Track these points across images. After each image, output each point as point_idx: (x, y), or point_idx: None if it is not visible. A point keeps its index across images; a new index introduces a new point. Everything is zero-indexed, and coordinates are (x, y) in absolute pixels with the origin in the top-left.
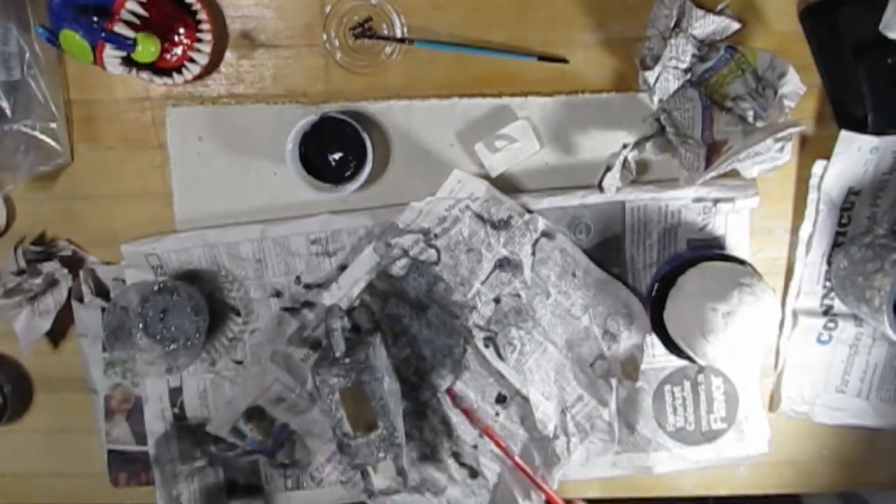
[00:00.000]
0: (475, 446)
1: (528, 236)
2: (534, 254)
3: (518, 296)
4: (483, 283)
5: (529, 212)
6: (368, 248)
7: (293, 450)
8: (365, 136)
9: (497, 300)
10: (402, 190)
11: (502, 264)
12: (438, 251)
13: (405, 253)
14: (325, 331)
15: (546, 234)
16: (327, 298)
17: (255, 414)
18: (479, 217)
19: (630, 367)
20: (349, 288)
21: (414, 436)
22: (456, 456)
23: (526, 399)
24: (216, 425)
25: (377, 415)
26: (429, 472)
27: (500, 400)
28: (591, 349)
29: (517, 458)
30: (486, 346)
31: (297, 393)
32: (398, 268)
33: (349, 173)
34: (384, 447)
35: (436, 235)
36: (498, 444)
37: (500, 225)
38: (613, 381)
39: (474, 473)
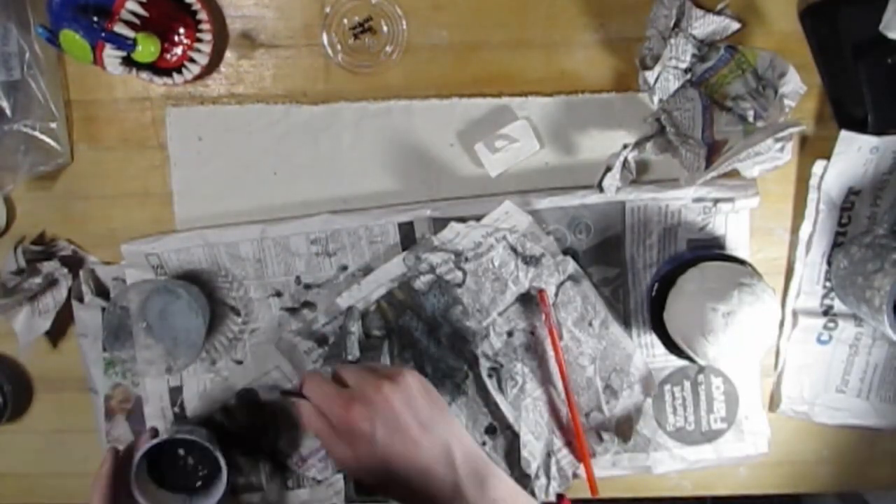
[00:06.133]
0: None
1: (556, 277)
2: (557, 295)
3: (532, 332)
4: (501, 314)
5: (564, 254)
6: (398, 257)
7: (277, 439)
8: (219, 457)
9: (510, 333)
10: (402, 190)
11: (524, 299)
12: (465, 274)
13: (432, 269)
14: (342, 332)
15: (573, 279)
16: (346, 298)
17: (247, 397)
18: (513, 249)
19: (625, 427)
20: (369, 292)
21: None
22: None
23: (515, 434)
24: (207, 402)
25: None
26: None
27: (490, 430)
28: (589, 400)
29: (571, 393)
30: (490, 375)
31: (294, 384)
32: (421, 282)
33: (199, 483)
34: None
35: (466, 259)
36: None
37: (531, 261)
38: (606, 436)
39: None
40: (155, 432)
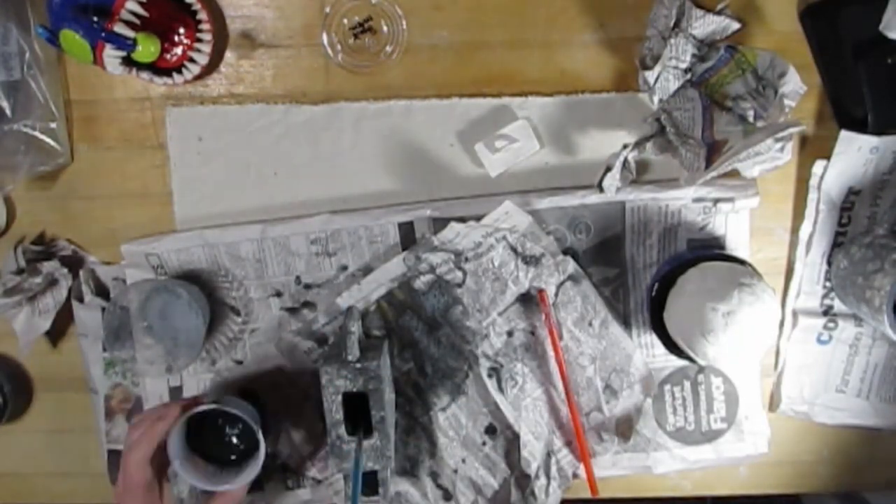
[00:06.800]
0: (455, 471)
1: (556, 277)
2: (556, 295)
3: (532, 332)
4: (501, 314)
5: (564, 254)
6: (398, 257)
7: (277, 440)
8: (259, 435)
9: (510, 333)
10: (402, 190)
11: (524, 299)
12: (465, 274)
13: (432, 269)
14: (342, 332)
15: (573, 278)
16: (346, 298)
17: (247, 396)
18: (513, 249)
19: (625, 426)
20: (369, 291)
21: (398, 448)
22: (434, 476)
23: (515, 434)
24: (206, 399)
25: (375, 424)
26: (404, 487)
27: (490, 430)
28: (589, 400)
29: (571, 393)
30: (490, 375)
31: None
32: (421, 282)
33: (235, 457)
34: (374, 457)
35: (466, 259)
36: (564, 382)
37: (531, 261)
38: (606, 436)
39: (448, 496)
40: (197, 402)
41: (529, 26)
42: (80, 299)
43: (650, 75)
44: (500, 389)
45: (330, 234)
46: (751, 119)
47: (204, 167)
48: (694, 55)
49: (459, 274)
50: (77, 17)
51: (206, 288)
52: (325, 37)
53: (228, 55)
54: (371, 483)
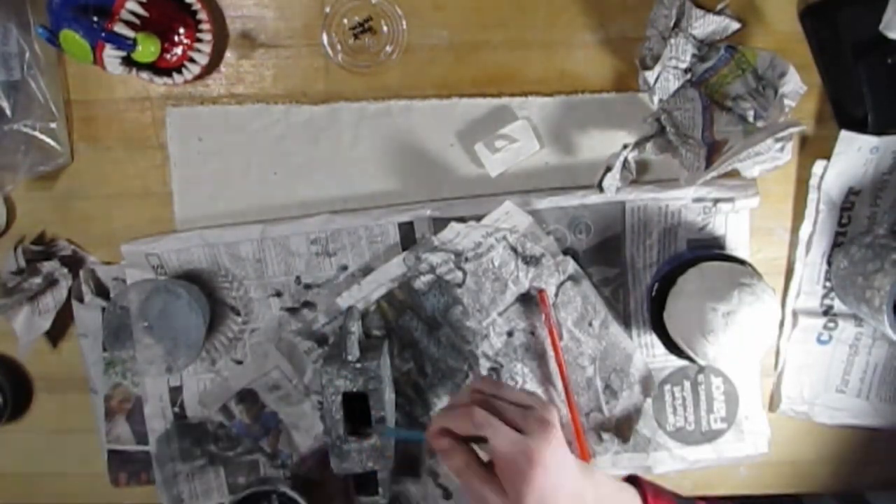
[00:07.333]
0: None
1: (556, 277)
2: (557, 295)
3: (532, 333)
4: (501, 314)
5: (564, 254)
6: (398, 257)
7: (277, 440)
8: None
9: (510, 333)
10: (402, 190)
11: (524, 299)
12: (465, 274)
13: (432, 269)
14: (342, 332)
15: (573, 279)
16: (346, 298)
17: (247, 396)
18: (513, 249)
19: (624, 427)
20: (369, 291)
21: (398, 448)
22: (434, 475)
23: None
24: (208, 401)
25: (375, 424)
26: (404, 486)
27: None
28: (589, 400)
29: (571, 393)
30: (490, 375)
31: (294, 384)
32: (421, 282)
33: None
34: (374, 457)
35: (467, 259)
36: (563, 380)
37: (531, 261)
38: (606, 436)
39: (448, 496)
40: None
41: (529, 26)
42: (80, 299)
43: (650, 75)
44: None
45: (330, 234)
46: (751, 119)
47: (204, 167)
48: (694, 55)
49: (459, 274)
50: (77, 17)
51: (206, 288)
52: (325, 37)
53: (228, 55)
54: (371, 483)
